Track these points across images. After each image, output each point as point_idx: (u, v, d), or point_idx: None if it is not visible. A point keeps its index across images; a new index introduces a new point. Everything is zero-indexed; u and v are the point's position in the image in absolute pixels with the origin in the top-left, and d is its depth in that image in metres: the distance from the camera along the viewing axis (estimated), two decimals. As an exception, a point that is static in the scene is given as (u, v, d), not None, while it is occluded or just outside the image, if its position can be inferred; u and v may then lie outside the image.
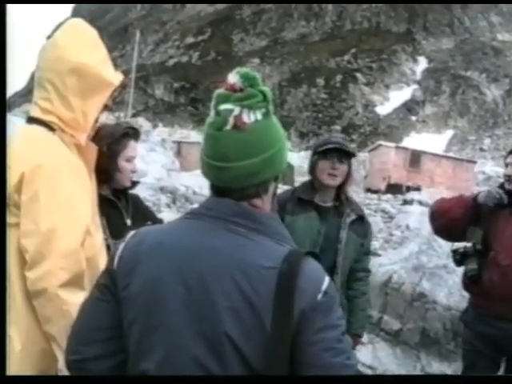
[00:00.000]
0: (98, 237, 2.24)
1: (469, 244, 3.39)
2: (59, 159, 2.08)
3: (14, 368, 1.96)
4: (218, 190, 1.42)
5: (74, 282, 1.97)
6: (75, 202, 2.05)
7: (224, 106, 1.36)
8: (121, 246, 1.45)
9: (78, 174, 2.12)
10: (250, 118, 1.35)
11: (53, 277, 1.92)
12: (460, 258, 3.45)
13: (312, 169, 3.29)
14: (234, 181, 1.37)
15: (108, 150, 2.61)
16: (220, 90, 1.39)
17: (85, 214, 2.10)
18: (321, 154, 3.21)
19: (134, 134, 2.77)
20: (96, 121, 2.31)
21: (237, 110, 1.34)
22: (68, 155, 2.14)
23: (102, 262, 2.15)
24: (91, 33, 2.26)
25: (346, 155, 3.20)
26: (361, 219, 3.32)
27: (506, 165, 3.44)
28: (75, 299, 1.92)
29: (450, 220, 3.44)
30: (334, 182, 3.19)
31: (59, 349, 1.95)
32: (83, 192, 2.12)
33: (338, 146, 3.15)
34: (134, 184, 2.83)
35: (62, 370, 1.91)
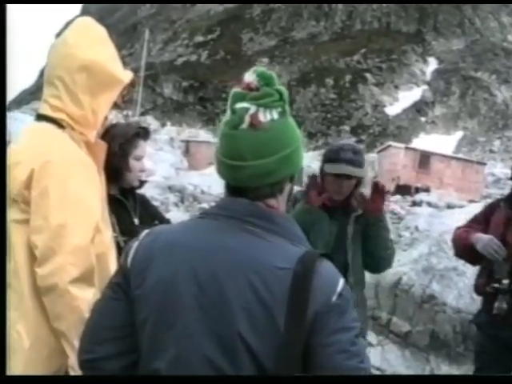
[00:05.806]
0: (108, 234, 2.24)
1: (505, 281, 3.21)
2: (68, 156, 2.08)
3: (22, 366, 1.96)
4: (233, 190, 1.41)
5: (84, 278, 1.96)
6: (84, 198, 2.05)
7: (240, 105, 1.34)
8: (135, 245, 1.43)
9: (87, 171, 2.12)
10: (266, 116, 1.34)
11: (63, 272, 1.92)
12: (491, 297, 3.28)
13: (321, 176, 3.17)
14: (249, 180, 1.36)
15: (120, 149, 2.64)
16: (236, 89, 1.38)
17: (94, 210, 2.10)
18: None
19: (144, 133, 2.80)
20: (105, 118, 2.32)
21: (253, 109, 1.33)
22: (77, 152, 2.14)
23: (111, 260, 2.16)
24: (100, 30, 2.28)
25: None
26: None
27: None
28: (85, 295, 1.93)
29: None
30: (340, 196, 3.13)
31: (69, 345, 1.94)
32: (92, 188, 2.12)
33: (347, 172, 3.02)
34: (142, 183, 2.84)
35: (74, 367, 1.90)
